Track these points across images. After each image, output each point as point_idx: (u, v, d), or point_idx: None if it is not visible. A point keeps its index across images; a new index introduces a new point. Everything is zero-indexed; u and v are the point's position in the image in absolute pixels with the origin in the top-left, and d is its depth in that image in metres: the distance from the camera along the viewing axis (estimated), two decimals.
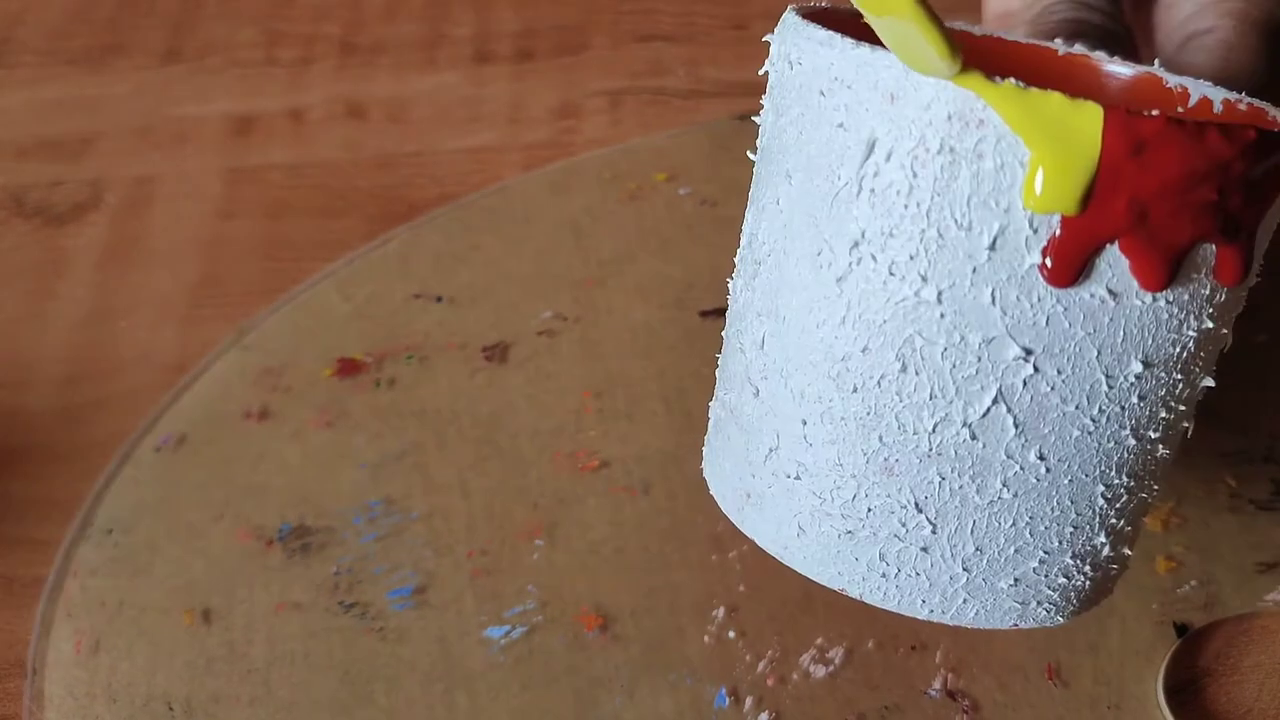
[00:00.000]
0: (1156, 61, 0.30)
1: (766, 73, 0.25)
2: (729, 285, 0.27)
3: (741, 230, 0.27)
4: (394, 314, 0.41)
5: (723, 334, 0.28)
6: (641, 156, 0.48)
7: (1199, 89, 0.28)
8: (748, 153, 0.27)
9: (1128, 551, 0.26)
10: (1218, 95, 0.28)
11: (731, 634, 0.32)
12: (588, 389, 0.39)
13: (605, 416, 0.38)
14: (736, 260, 0.27)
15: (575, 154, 0.49)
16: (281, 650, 0.32)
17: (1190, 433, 0.25)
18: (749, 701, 0.30)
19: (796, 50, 0.24)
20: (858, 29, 0.27)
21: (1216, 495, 0.35)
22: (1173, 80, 0.29)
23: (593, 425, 0.37)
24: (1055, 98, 0.21)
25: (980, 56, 0.29)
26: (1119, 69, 0.30)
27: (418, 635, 0.32)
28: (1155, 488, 0.26)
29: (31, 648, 0.32)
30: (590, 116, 0.51)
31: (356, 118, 0.52)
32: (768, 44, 0.25)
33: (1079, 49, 0.30)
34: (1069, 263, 0.22)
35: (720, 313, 0.41)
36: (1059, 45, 0.31)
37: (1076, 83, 0.30)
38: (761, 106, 0.26)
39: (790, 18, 0.25)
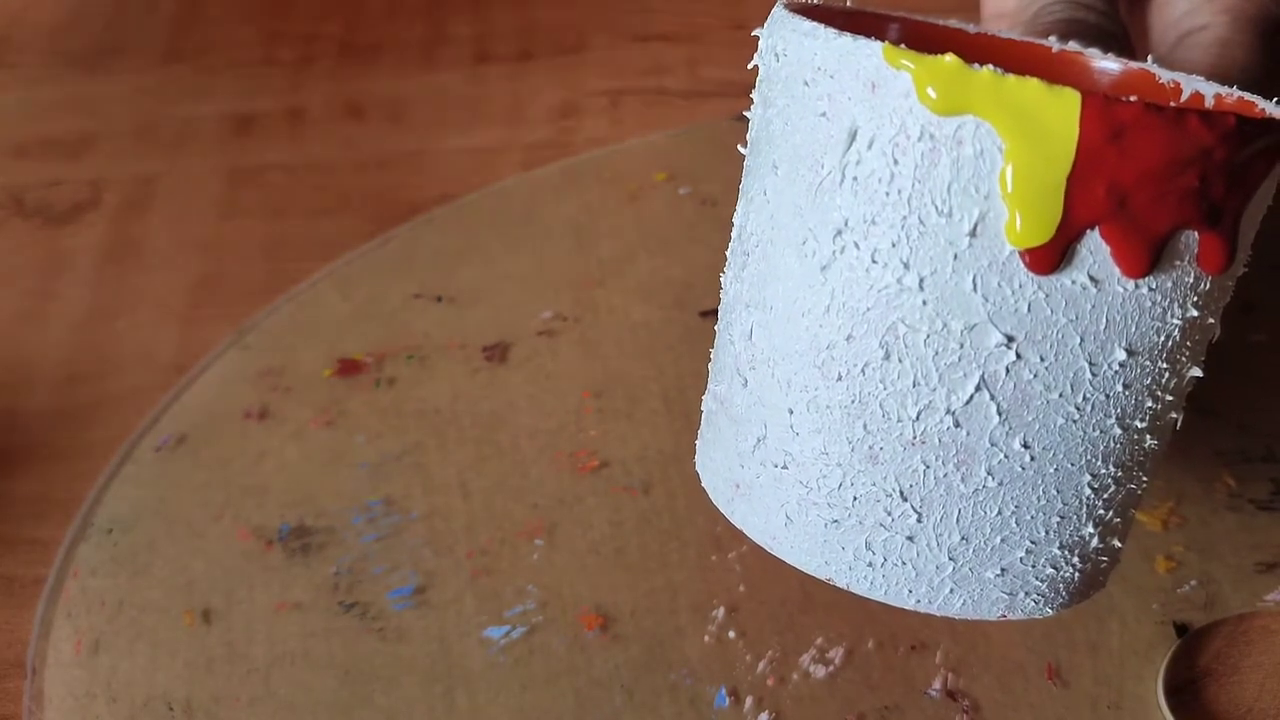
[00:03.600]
0: (1150, 58, 0.30)
1: (756, 67, 0.26)
2: (721, 280, 0.28)
3: (732, 223, 0.27)
4: (394, 314, 0.41)
5: (715, 328, 0.28)
6: (641, 156, 0.48)
7: (1191, 84, 0.28)
8: (739, 147, 0.27)
9: (1118, 544, 0.26)
10: (1210, 90, 0.28)
11: (731, 634, 0.32)
12: (588, 389, 0.39)
13: (605, 416, 0.38)
14: (727, 254, 0.27)
15: (575, 154, 0.49)
16: (281, 650, 0.32)
17: (1180, 424, 0.25)
18: (749, 701, 0.31)
19: (782, 42, 0.24)
20: (844, 22, 0.28)
21: (1216, 495, 0.35)
22: (1165, 76, 0.29)
23: (593, 425, 0.37)
24: (1033, 84, 0.21)
25: (974, 53, 0.29)
26: (1110, 65, 0.30)
27: (418, 635, 0.32)
28: (1144, 479, 0.26)
29: (31, 648, 0.32)
30: (590, 116, 0.51)
31: (356, 117, 0.52)
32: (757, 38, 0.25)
33: (1073, 46, 0.31)
34: (1049, 249, 0.22)
35: None
36: (1053, 43, 0.31)
37: (1068, 78, 0.30)
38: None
39: (778, 11, 0.25)
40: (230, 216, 0.47)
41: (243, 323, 0.41)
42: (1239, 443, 0.36)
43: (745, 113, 0.26)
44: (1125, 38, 0.34)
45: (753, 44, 0.25)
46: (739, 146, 0.27)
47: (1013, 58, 0.30)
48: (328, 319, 0.41)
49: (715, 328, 0.28)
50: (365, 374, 0.39)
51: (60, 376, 0.40)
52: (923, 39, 0.30)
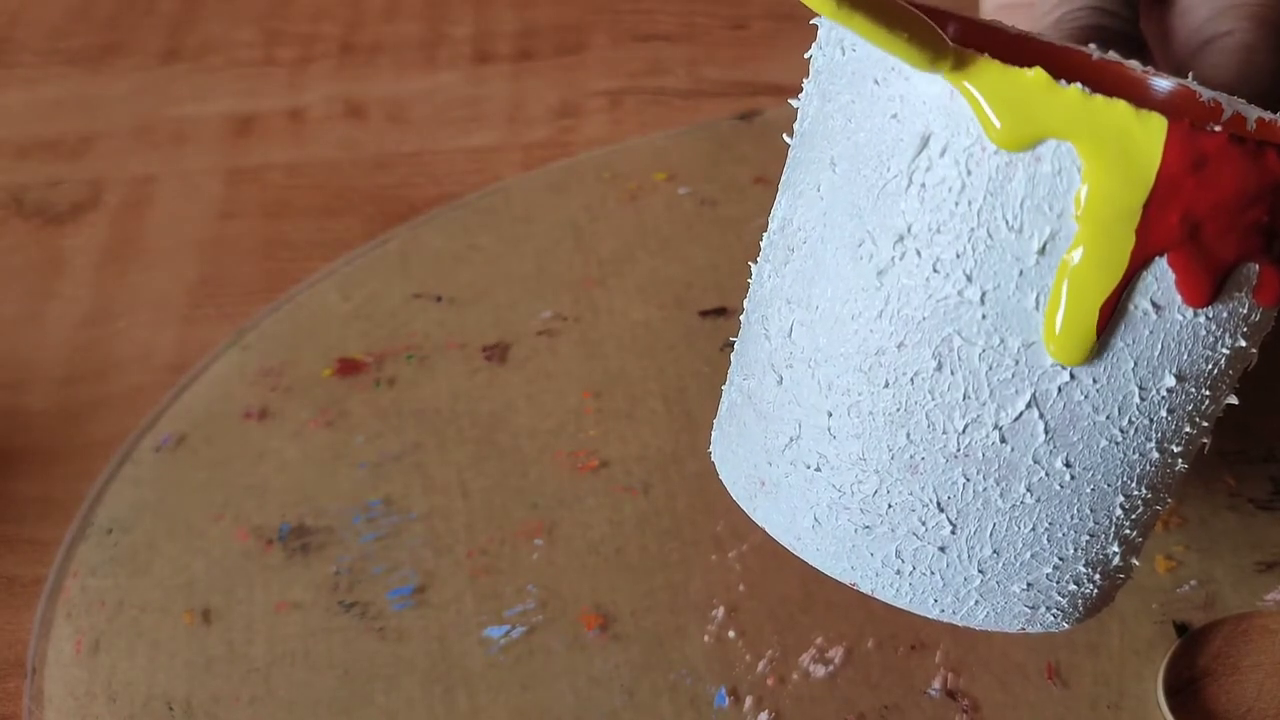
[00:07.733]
0: (1190, 75, 0.30)
1: (810, 57, 0.25)
2: (752, 269, 0.27)
3: (772, 214, 0.26)
4: (394, 314, 0.41)
5: (741, 317, 0.27)
6: (641, 156, 0.48)
7: (1231, 105, 0.28)
8: (784, 136, 0.26)
9: (1136, 562, 0.26)
10: (1251, 113, 0.28)
11: (731, 634, 0.32)
12: (588, 389, 0.39)
13: (605, 416, 0.38)
14: (764, 244, 0.27)
15: (575, 154, 0.49)
16: (281, 650, 0.32)
17: (1207, 448, 0.25)
18: (749, 701, 0.31)
19: (851, 36, 0.23)
20: None
21: (1216, 495, 0.35)
22: (1206, 94, 0.29)
23: (593, 425, 0.37)
24: (1120, 106, 0.20)
25: (1016, 55, 0.29)
26: (1157, 81, 0.30)
27: (418, 635, 0.32)
28: (1168, 500, 0.26)
29: (31, 648, 0.32)
30: (590, 116, 0.51)
31: (356, 117, 0.52)
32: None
33: (1112, 55, 0.30)
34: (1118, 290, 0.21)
35: (720, 312, 0.41)
36: (1093, 50, 0.30)
37: (1123, 92, 0.30)
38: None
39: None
40: (230, 216, 0.47)
41: (243, 323, 0.41)
42: (1240, 443, 0.36)
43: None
44: (1145, 44, 0.34)
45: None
46: (784, 136, 0.26)
47: (1057, 63, 0.30)
48: (328, 319, 0.41)
49: (740, 319, 0.27)
50: (365, 374, 0.39)
51: (60, 376, 0.40)
52: (973, 38, 0.29)
